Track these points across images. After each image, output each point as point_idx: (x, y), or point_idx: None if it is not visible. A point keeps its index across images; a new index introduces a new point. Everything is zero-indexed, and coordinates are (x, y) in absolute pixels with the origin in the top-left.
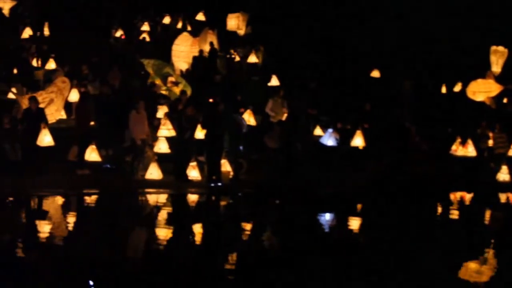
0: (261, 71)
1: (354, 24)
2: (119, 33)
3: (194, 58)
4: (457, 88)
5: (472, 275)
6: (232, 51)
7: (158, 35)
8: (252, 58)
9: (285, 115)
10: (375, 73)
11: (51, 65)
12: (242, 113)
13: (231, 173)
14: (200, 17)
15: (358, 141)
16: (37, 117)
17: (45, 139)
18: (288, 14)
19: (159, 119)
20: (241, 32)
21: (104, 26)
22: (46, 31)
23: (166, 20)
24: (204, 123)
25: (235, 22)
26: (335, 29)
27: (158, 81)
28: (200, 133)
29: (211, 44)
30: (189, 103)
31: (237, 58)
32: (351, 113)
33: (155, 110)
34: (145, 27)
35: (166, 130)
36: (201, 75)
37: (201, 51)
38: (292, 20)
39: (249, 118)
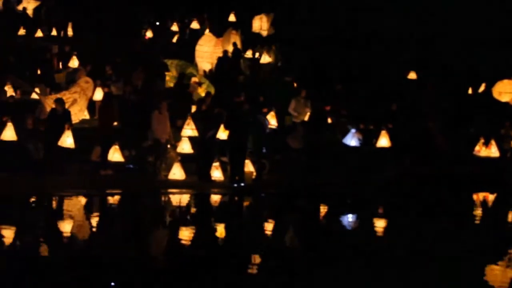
0: (278, 71)
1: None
2: (149, 33)
3: (219, 58)
4: (481, 88)
5: (497, 277)
6: (250, 51)
7: (185, 36)
8: (265, 58)
9: (308, 115)
10: (412, 75)
11: (74, 64)
12: (265, 114)
13: (254, 174)
14: (231, 18)
15: (383, 141)
16: (62, 119)
17: (67, 140)
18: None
19: (182, 119)
20: (265, 33)
21: (129, 26)
22: (70, 32)
23: (195, 24)
24: (228, 124)
25: (258, 24)
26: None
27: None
28: (223, 134)
29: (234, 44)
30: (213, 104)
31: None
32: (375, 113)
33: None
34: (174, 27)
35: (190, 130)
36: (224, 75)
37: (225, 52)
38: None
39: (271, 118)
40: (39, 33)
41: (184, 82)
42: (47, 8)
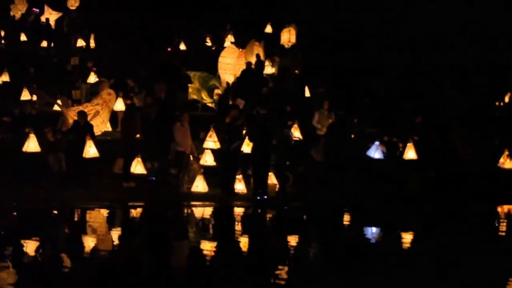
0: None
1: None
2: (182, 46)
3: (242, 71)
4: (506, 99)
5: None
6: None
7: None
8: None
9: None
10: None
11: (92, 78)
12: (290, 126)
13: (277, 186)
14: (268, 29)
15: (410, 153)
16: (84, 131)
17: (90, 150)
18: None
19: (205, 131)
20: (289, 44)
21: (152, 38)
22: (92, 43)
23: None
24: (252, 136)
25: (287, 36)
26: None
27: (204, 94)
28: (246, 147)
29: (258, 56)
30: (236, 116)
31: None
32: (400, 126)
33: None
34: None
35: (212, 142)
36: (248, 87)
37: (248, 64)
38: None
39: (295, 131)
40: (60, 45)
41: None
42: (69, 19)
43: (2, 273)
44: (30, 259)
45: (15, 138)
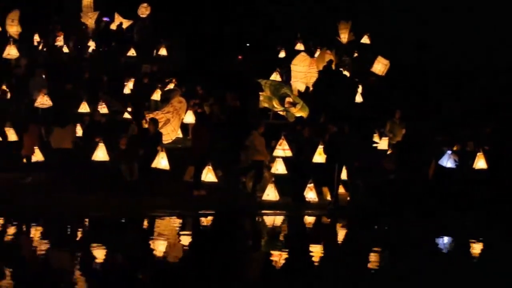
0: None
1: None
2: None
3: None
4: None
5: None
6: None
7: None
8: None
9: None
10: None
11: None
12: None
13: (349, 196)
14: (365, 40)
15: (481, 163)
16: (154, 139)
17: (162, 162)
18: None
19: (276, 140)
20: (344, 40)
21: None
22: (163, 51)
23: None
24: (328, 149)
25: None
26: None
27: (275, 102)
28: (318, 157)
29: (330, 62)
30: (306, 125)
31: None
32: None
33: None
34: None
35: (282, 150)
36: (319, 96)
37: (320, 72)
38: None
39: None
40: (131, 52)
41: None
42: (139, 27)
43: (72, 281)
44: (100, 267)
45: (85, 146)
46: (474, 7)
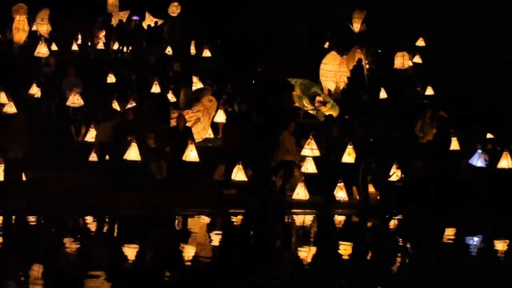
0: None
1: None
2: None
3: (348, 78)
4: None
5: None
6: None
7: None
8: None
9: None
10: None
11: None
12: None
13: (379, 195)
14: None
15: (504, 163)
16: (184, 136)
17: (191, 154)
18: None
19: (305, 139)
20: (356, 29)
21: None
22: (193, 50)
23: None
24: (357, 148)
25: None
26: None
27: (305, 101)
28: (347, 157)
29: (358, 61)
30: (335, 124)
31: None
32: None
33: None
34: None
35: (310, 150)
36: (350, 96)
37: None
38: None
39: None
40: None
41: None
42: (169, 26)
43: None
44: (131, 265)
45: (117, 145)
46: None
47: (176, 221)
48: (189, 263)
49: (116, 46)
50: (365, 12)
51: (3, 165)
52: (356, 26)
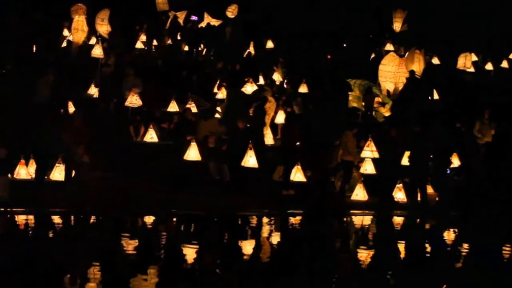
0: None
1: None
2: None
3: (406, 79)
4: None
5: None
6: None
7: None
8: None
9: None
10: None
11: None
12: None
13: (437, 196)
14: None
15: None
16: (244, 137)
17: (250, 160)
18: None
19: (365, 140)
20: (397, 29)
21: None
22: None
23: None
24: (409, 147)
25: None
26: None
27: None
28: (406, 158)
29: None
30: (391, 125)
31: None
32: None
33: None
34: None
35: (370, 152)
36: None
37: (411, 72)
38: None
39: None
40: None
41: None
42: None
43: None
44: (189, 265)
45: (175, 145)
46: None
47: (235, 221)
48: (248, 261)
49: (186, 47)
50: (406, 12)
51: (62, 165)
52: (397, 26)
